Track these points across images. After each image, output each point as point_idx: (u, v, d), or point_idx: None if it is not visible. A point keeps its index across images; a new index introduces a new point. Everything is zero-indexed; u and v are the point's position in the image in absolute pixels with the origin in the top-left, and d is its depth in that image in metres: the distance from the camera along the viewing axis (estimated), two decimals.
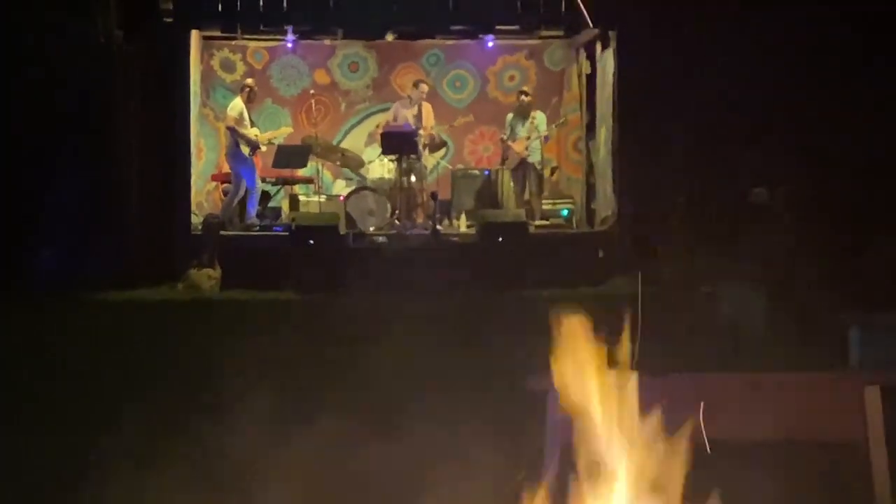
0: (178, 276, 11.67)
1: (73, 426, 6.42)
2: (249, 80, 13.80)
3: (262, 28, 14.02)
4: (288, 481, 5.27)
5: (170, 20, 12.90)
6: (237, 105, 13.25)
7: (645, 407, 3.40)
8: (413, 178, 13.34)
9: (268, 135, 13.77)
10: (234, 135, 13.11)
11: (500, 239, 12.10)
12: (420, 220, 13.52)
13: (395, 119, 13.80)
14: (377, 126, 14.64)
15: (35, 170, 11.89)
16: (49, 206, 11.93)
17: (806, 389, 3.93)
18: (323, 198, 13.70)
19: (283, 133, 14.14)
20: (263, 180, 14.02)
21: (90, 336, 9.15)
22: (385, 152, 13.49)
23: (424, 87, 13.85)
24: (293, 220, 12.54)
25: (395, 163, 13.39)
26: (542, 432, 3.80)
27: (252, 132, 13.26)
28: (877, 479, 3.74)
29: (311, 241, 11.85)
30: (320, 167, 13.98)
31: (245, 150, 13.14)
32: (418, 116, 13.58)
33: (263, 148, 13.57)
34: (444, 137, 14.88)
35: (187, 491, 5.25)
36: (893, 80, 11.50)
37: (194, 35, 13.41)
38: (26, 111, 11.77)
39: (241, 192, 13.27)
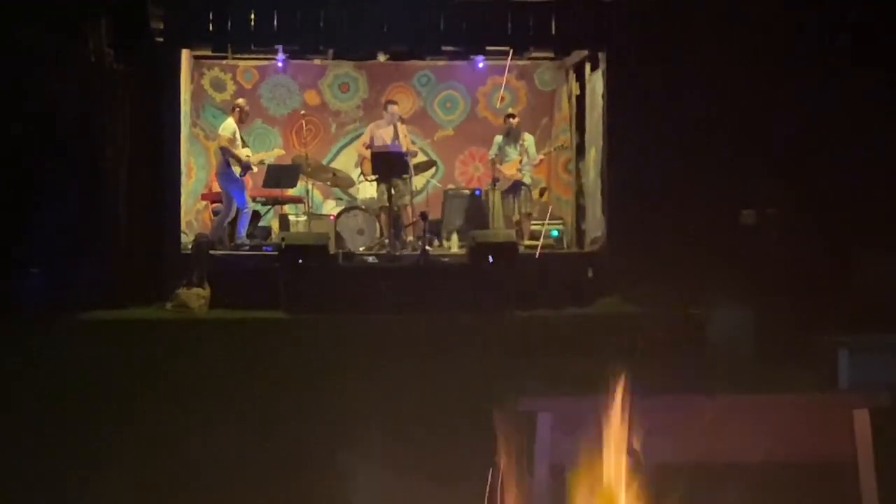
0: (167, 296, 11.64)
1: (59, 444, 6.39)
2: (241, 101, 13.79)
3: (252, 48, 14.03)
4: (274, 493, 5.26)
5: (160, 39, 12.91)
6: (229, 125, 13.25)
7: (633, 429, 3.40)
8: (396, 197, 13.28)
9: (259, 156, 13.78)
10: (226, 155, 13.10)
11: (491, 259, 12.09)
12: (410, 239, 13.53)
13: (371, 140, 13.73)
14: (361, 144, 14.62)
15: (24, 188, 11.86)
16: (38, 225, 11.90)
17: (794, 411, 3.93)
18: (305, 217, 13.69)
19: (274, 155, 14.14)
20: (253, 200, 14.01)
21: (78, 355, 9.12)
22: (375, 172, 13.45)
23: (394, 108, 13.80)
24: (283, 239, 12.52)
25: (378, 183, 13.37)
26: (530, 453, 3.79)
27: (244, 153, 13.26)
28: (866, 502, 3.73)
29: (301, 261, 11.83)
30: (310, 187, 13.99)
31: (237, 170, 13.13)
32: (394, 136, 13.54)
33: (255, 169, 13.56)
34: (433, 157, 14.89)
35: None
36: (881, 103, 11.56)
37: (185, 54, 13.41)
38: (15, 129, 11.75)
39: (233, 213, 13.26)
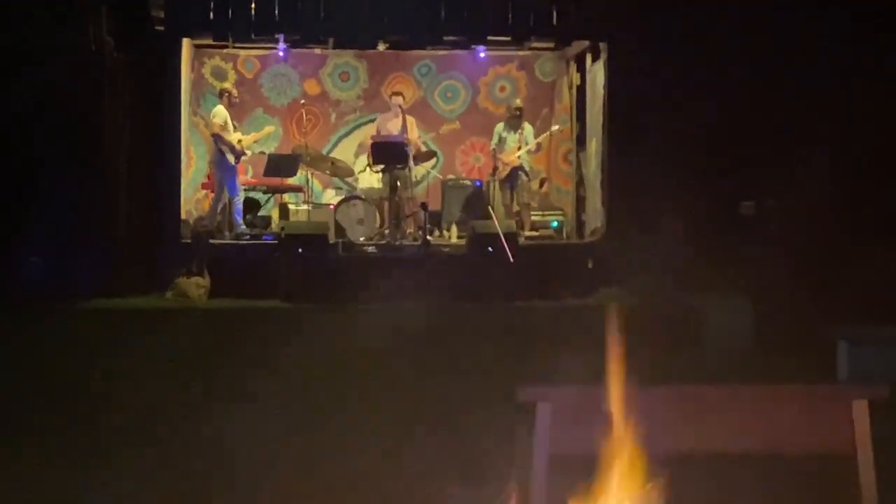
0: (166, 285, 11.64)
1: (58, 433, 6.40)
2: (227, 85, 13.81)
3: (253, 37, 14.01)
4: (277, 485, 5.26)
5: (161, 28, 12.89)
6: (221, 112, 13.23)
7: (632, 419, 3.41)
8: (400, 188, 13.31)
9: (251, 137, 13.73)
10: (219, 142, 13.10)
11: (490, 249, 12.10)
12: (410, 229, 13.53)
13: (378, 133, 13.76)
14: (367, 136, 14.62)
15: (23, 177, 11.85)
16: (37, 214, 11.89)
17: (793, 403, 3.93)
18: (311, 206, 13.69)
19: (266, 133, 14.12)
20: (253, 189, 14.01)
21: (78, 344, 9.13)
22: (376, 162, 13.48)
23: (399, 99, 13.82)
24: (282, 228, 12.53)
25: (382, 173, 13.40)
26: (529, 443, 3.80)
27: (235, 137, 13.24)
28: (864, 494, 3.74)
29: (301, 250, 11.83)
30: (310, 176, 13.98)
31: (230, 157, 13.13)
32: (402, 128, 13.56)
33: (248, 153, 13.56)
34: (434, 148, 14.87)
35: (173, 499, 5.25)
36: (882, 95, 11.55)
37: (185, 43, 13.40)
38: (15, 118, 11.74)
39: (224, 200, 13.27)
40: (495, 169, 14.09)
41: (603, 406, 3.44)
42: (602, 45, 13.24)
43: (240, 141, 13.30)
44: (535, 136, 14.07)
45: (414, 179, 13.90)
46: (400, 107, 13.70)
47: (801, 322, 9.04)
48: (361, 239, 13.03)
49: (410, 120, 13.74)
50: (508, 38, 14.08)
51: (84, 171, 12.08)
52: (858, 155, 11.62)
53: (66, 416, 6.84)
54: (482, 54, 14.89)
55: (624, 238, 12.25)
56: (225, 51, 14.83)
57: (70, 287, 11.22)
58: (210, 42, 14.27)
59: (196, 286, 11.50)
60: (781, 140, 12.01)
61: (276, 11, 12.88)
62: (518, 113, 14.03)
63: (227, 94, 13.45)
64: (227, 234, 13.16)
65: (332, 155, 14.77)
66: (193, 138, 14.44)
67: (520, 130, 13.94)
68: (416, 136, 13.72)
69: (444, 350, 8.57)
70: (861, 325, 8.48)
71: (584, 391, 3.73)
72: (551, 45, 14.58)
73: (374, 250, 12.73)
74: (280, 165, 13.63)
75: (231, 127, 13.26)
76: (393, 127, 13.61)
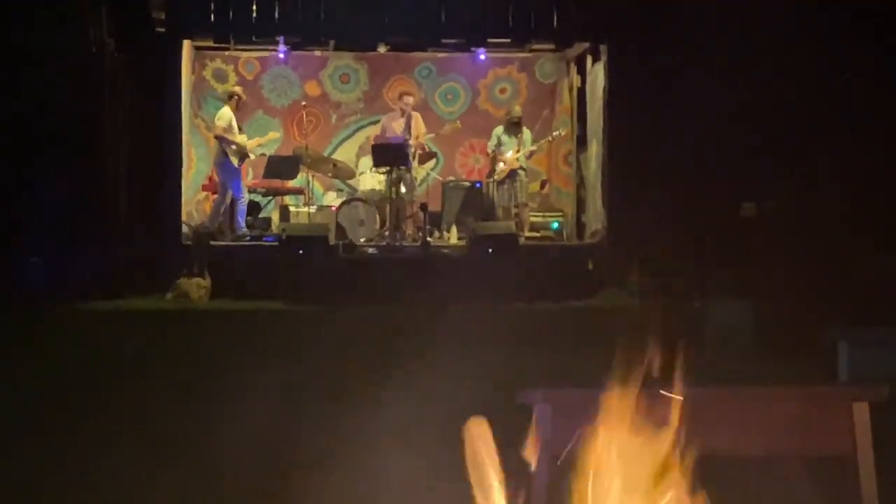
0: (167, 286, 11.65)
1: (58, 434, 6.40)
2: (237, 88, 13.83)
3: (253, 39, 14.02)
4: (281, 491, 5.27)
5: (162, 30, 12.90)
6: (225, 114, 13.24)
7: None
8: (403, 190, 13.33)
9: (255, 141, 13.75)
10: (223, 143, 13.11)
11: (490, 251, 12.10)
12: (410, 231, 13.53)
13: (384, 132, 13.79)
14: (368, 138, 14.64)
15: (23, 178, 11.86)
16: (38, 215, 11.90)
17: (794, 404, 3.93)
18: (313, 208, 13.70)
19: (270, 139, 14.12)
20: (254, 191, 14.01)
21: (78, 345, 9.13)
22: (377, 164, 13.49)
23: (409, 99, 13.83)
24: (283, 230, 12.54)
25: (385, 174, 13.40)
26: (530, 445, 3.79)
27: (240, 139, 13.26)
28: (864, 495, 3.73)
29: (301, 252, 11.83)
30: (311, 178, 13.99)
31: (234, 159, 13.13)
32: (407, 128, 13.58)
33: (252, 156, 13.57)
34: (434, 149, 14.88)
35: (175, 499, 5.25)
36: (883, 97, 11.55)
37: (186, 45, 13.40)
38: (15, 119, 11.74)
39: (227, 202, 13.28)
40: (492, 171, 14.11)
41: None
42: (602, 47, 13.25)
43: (244, 144, 13.32)
44: (534, 142, 14.08)
45: (415, 182, 13.92)
46: (402, 109, 13.72)
47: (801, 322, 9.04)
48: (362, 240, 13.03)
49: (417, 117, 13.75)
50: (509, 40, 14.10)
51: (84, 172, 12.09)
52: (859, 155, 11.61)
53: (66, 417, 6.84)
54: (482, 56, 14.89)
55: (624, 239, 12.27)
56: (226, 53, 14.83)
57: (70, 287, 11.23)
58: (211, 44, 14.27)
59: (197, 287, 11.51)
60: (782, 140, 12.01)
61: (277, 13, 12.89)
62: (517, 120, 14.05)
63: (235, 97, 13.45)
64: (228, 235, 13.17)
65: (332, 157, 14.77)
66: (194, 140, 14.44)
67: (518, 135, 13.96)
68: (422, 132, 13.74)
69: (445, 351, 8.56)
70: (861, 326, 8.48)
71: (585, 392, 3.73)
72: (551, 46, 14.60)
73: (375, 251, 12.73)
74: (280, 167, 13.64)
75: (236, 129, 13.27)
76: (398, 127, 13.64)
